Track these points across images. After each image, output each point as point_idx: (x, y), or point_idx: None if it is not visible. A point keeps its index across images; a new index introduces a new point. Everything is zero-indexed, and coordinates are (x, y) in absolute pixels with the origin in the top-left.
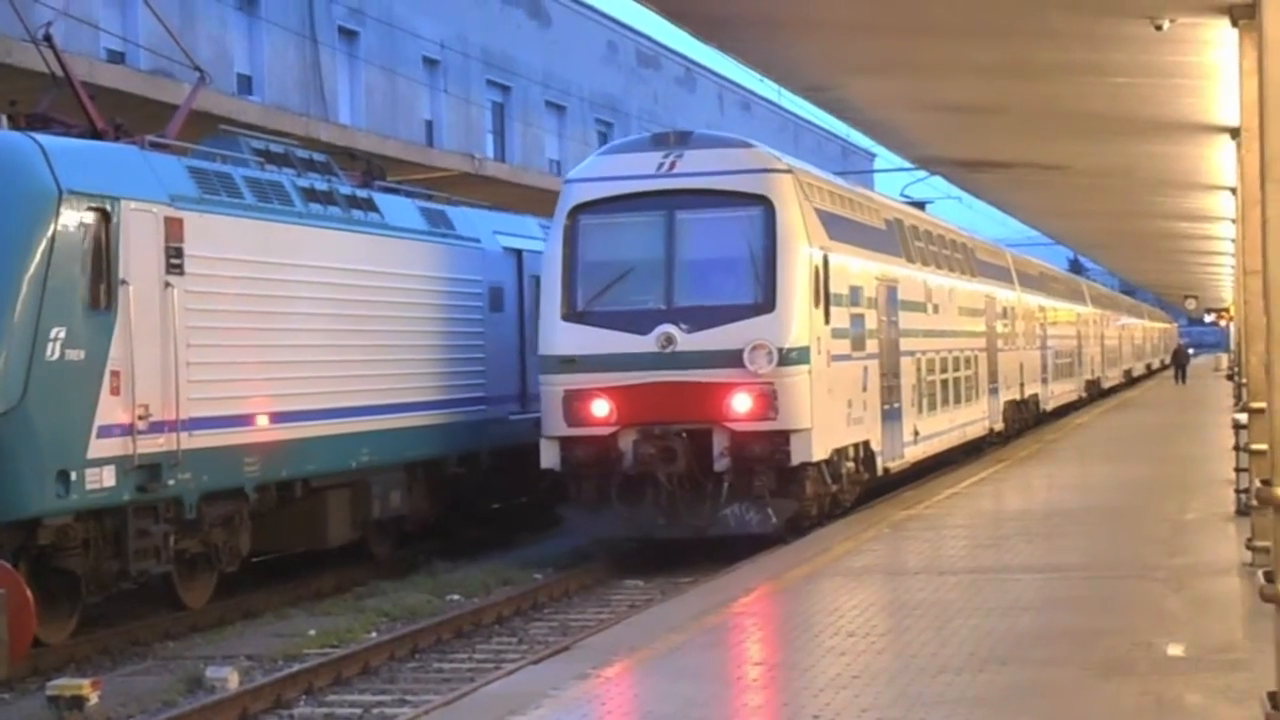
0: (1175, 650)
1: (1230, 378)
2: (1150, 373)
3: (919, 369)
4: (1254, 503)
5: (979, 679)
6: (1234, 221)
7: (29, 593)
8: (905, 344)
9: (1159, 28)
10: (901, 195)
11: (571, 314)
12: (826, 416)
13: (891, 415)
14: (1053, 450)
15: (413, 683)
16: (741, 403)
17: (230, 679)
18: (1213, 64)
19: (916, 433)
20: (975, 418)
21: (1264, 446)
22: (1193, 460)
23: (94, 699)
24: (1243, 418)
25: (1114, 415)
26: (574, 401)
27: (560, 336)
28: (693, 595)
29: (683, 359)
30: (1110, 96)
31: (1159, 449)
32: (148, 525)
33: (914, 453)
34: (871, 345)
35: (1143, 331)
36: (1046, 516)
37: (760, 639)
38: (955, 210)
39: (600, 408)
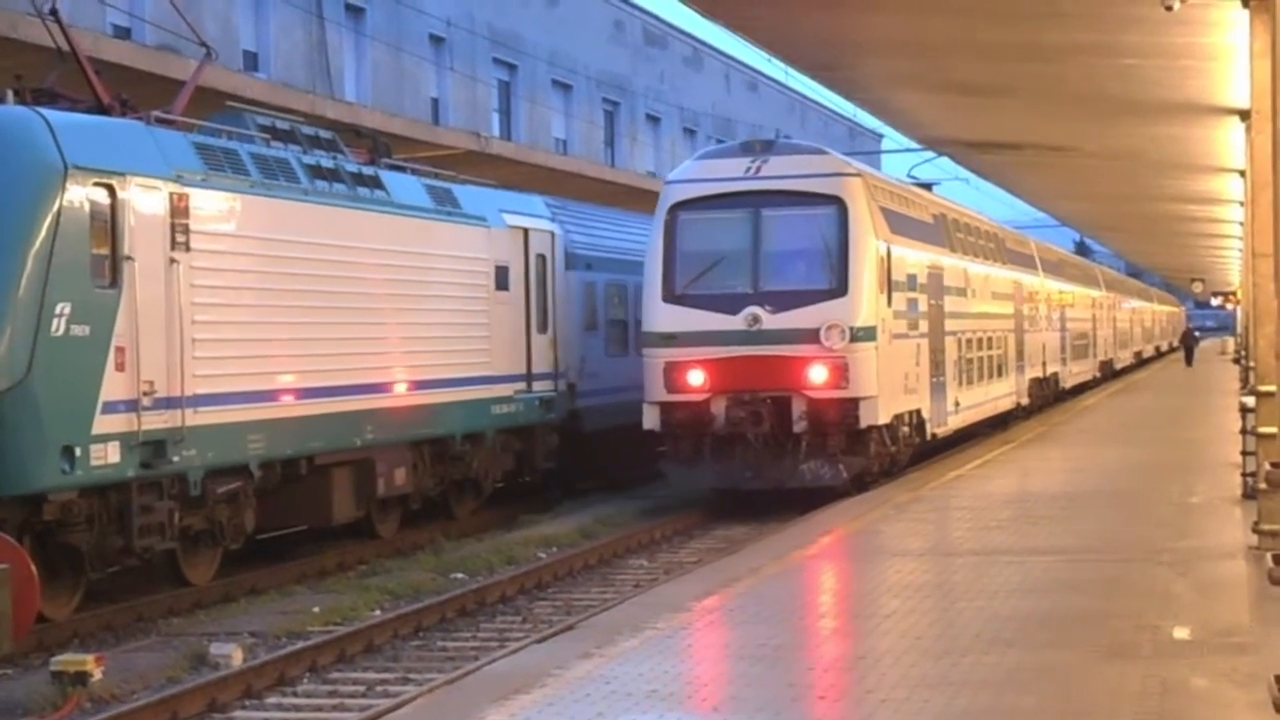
0: (1181, 633)
1: (1237, 361)
2: (1159, 354)
3: (959, 347)
4: (1262, 485)
5: (984, 661)
6: (1242, 204)
7: (33, 568)
8: (949, 325)
9: (1169, 8)
10: (909, 176)
11: (671, 296)
12: (888, 387)
13: (938, 388)
14: (1060, 432)
15: (416, 661)
16: (818, 374)
17: (234, 656)
18: (1223, 46)
19: (958, 403)
20: (1005, 392)
21: (1273, 429)
22: (1198, 443)
23: (97, 675)
24: (1250, 401)
25: (1121, 398)
26: (673, 371)
27: (661, 315)
28: (696, 575)
29: (767, 336)
30: (1119, 78)
31: (1165, 432)
32: (152, 501)
33: (955, 421)
34: (923, 325)
35: (1151, 315)
36: (1052, 499)
37: (763, 620)
38: (962, 191)
39: (696, 377)
